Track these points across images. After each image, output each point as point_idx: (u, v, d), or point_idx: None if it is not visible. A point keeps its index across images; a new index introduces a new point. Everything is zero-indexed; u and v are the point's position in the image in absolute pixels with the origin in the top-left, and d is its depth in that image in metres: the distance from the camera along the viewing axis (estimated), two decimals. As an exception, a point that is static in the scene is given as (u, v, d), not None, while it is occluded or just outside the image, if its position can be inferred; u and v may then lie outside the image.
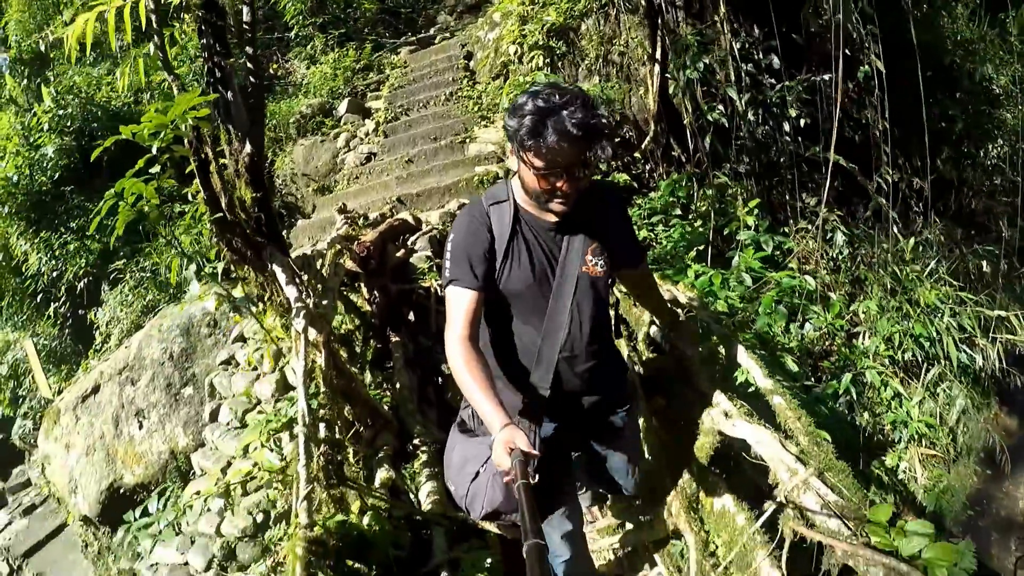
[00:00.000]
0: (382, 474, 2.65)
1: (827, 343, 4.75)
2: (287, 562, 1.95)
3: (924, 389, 4.68)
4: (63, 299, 6.44)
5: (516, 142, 1.53)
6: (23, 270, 6.86)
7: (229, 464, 4.20)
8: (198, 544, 4.06)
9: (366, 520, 2.31)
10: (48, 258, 6.44)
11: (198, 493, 3.69)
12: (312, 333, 2.60)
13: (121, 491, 4.39)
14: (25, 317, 6.95)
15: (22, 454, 6.89)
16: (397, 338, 3.54)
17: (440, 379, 3.63)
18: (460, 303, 1.65)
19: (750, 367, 2.54)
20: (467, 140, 6.67)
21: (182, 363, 4.67)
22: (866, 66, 4.49)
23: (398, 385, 3.23)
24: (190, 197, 2.52)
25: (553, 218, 1.68)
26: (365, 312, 3.60)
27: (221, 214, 2.44)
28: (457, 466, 1.83)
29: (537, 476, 1.37)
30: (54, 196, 6.84)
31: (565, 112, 1.45)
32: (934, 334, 4.65)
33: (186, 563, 4.04)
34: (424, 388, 3.44)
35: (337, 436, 2.50)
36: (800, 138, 5.06)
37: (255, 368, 4.60)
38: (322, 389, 2.52)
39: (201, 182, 2.35)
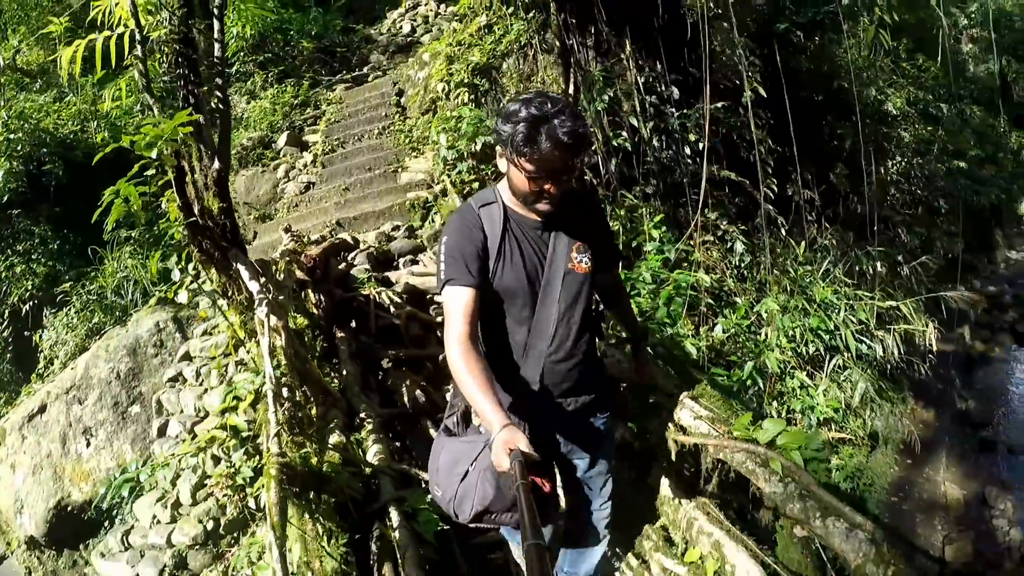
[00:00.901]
0: (334, 439, 3.28)
1: (736, 344, 5.56)
2: (263, 484, 2.56)
3: (828, 378, 5.35)
4: (5, 323, 6.72)
5: (510, 147, 1.68)
6: (-36, 294, 7.02)
7: (178, 476, 4.68)
8: (148, 556, 4.46)
9: (324, 467, 2.94)
10: (-8, 280, 6.76)
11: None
12: (273, 319, 3.26)
13: (69, 508, 4.73)
14: (-36, 343, 7.06)
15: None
16: (342, 334, 4.22)
17: (381, 372, 4.32)
18: (458, 302, 1.75)
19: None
20: (399, 169, 7.58)
21: (129, 382, 5.13)
22: (748, 92, 5.53)
23: (344, 372, 3.90)
24: (163, 206, 3.18)
25: (539, 217, 1.85)
26: (313, 314, 4.26)
27: (194, 219, 3.11)
28: (446, 467, 1.83)
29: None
30: (0, 219, 7.23)
31: (557, 121, 1.62)
32: (832, 327, 5.35)
33: (137, 575, 4.43)
34: (367, 377, 4.11)
35: (297, 398, 3.14)
36: (699, 160, 6.05)
37: (203, 383, 5.12)
38: (283, 362, 3.16)
39: (177, 191, 3.01)
